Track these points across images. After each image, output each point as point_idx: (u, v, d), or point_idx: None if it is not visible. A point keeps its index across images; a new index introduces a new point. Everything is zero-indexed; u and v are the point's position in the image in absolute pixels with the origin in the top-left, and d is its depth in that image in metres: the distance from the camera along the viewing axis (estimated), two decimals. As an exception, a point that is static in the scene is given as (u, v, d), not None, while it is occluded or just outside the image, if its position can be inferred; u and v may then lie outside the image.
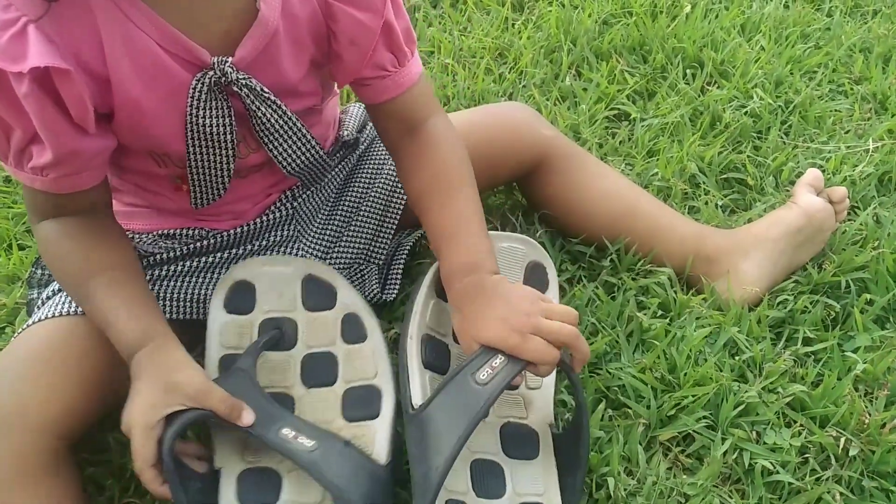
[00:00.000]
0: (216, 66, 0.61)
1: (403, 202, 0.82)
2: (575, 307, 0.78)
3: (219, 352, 0.67)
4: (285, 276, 0.71)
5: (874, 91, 1.12)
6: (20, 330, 0.67)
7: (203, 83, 0.61)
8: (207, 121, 0.63)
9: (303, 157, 0.71)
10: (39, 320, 0.66)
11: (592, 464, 0.67)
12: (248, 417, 0.61)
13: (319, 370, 0.68)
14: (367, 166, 0.84)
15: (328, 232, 0.81)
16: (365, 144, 0.85)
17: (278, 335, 0.68)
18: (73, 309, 0.66)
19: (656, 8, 1.25)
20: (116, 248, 0.66)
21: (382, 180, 0.83)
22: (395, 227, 0.81)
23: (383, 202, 0.82)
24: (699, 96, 1.08)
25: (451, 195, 0.70)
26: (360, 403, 0.66)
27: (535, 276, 0.74)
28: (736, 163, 0.98)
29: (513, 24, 1.23)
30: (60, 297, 0.68)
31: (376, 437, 0.63)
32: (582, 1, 1.27)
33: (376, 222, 0.82)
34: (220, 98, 0.63)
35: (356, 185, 0.83)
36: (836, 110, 1.08)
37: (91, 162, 0.62)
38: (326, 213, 0.82)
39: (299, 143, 0.70)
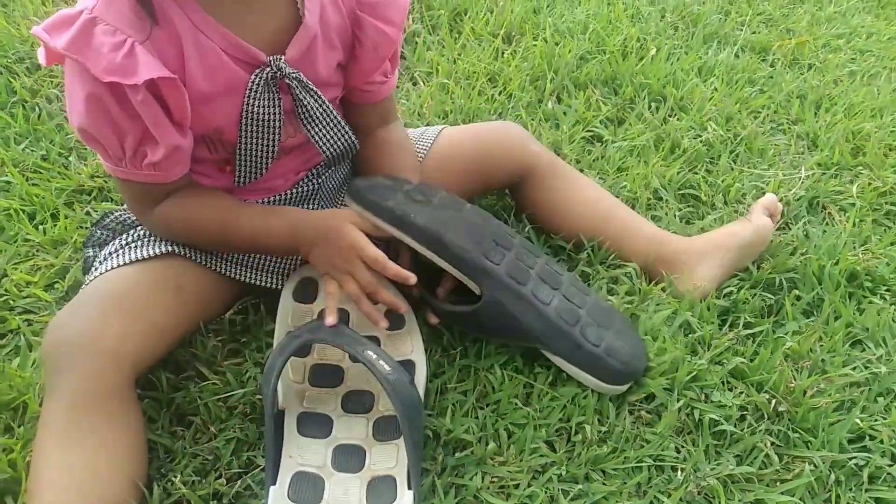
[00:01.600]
0: (272, 63, 0.74)
1: None
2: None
3: (286, 329, 0.81)
4: None
5: (807, 130, 1.31)
6: (91, 278, 0.77)
7: (261, 77, 0.74)
8: (261, 109, 0.76)
9: (338, 140, 0.84)
10: (111, 269, 0.76)
11: (571, 414, 0.80)
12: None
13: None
14: None
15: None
16: None
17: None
18: (138, 255, 0.77)
19: (626, 48, 1.43)
20: (222, 195, 0.80)
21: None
22: None
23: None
24: (662, 125, 1.25)
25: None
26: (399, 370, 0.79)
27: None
28: (692, 181, 1.15)
29: (502, 54, 1.38)
30: (122, 251, 0.79)
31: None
32: (562, 38, 1.44)
33: None
34: (273, 90, 0.76)
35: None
36: (775, 144, 1.27)
37: (188, 154, 0.74)
38: (340, 186, 0.95)
39: (336, 128, 0.83)
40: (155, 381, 0.78)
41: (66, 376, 0.67)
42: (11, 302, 0.87)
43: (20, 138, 1.10)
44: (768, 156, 1.23)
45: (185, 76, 0.70)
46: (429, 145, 0.99)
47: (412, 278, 0.78)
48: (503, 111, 1.25)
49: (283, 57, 0.75)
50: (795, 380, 0.85)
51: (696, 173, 1.17)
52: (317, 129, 0.81)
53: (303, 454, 0.73)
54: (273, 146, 0.80)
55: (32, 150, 1.08)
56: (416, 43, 1.39)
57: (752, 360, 0.87)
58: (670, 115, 1.29)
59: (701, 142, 1.22)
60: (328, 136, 0.83)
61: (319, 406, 0.78)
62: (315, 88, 0.78)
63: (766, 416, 0.82)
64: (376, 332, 0.83)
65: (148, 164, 0.71)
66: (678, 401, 0.83)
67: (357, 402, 0.79)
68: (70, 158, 1.08)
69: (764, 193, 1.12)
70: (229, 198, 0.81)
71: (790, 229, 1.08)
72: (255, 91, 0.75)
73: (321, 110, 0.80)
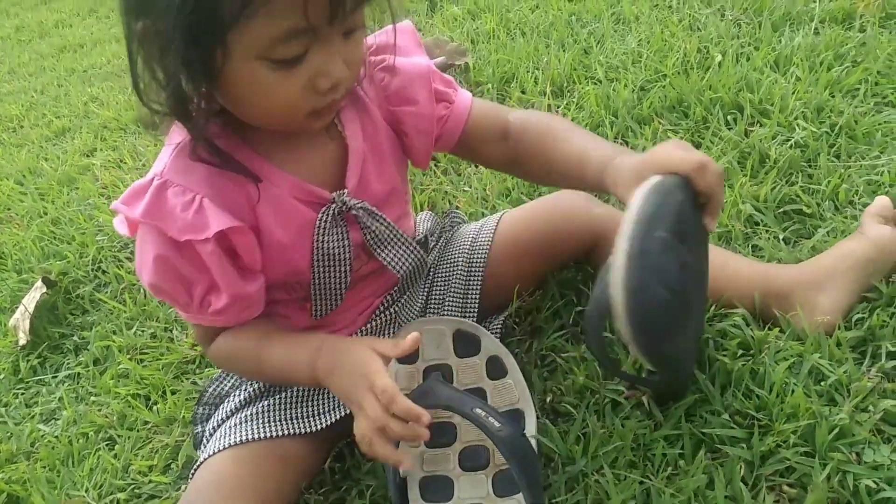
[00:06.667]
0: (336, 198, 0.75)
1: (478, 295, 0.92)
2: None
3: None
4: (440, 332, 0.85)
5: (920, 95, 1.13)
6: (197, 464, 0.80)
7: (328, 214, 0.75)
8: (331, 245, 0.77)
9: (409, 259, 0.84)
10: (213, 453, 0.79)
11: (699, 508, 0.71)
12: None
13: None
14: (443, 269, 0.95)
15: None
16: (439, 248, 0.97)
17: (438, 376, 0.81)
18: (240, 439, 0.79)
19: (687, 65, 1.33)
20: (258, 321, 0.79)
21: (458, 278, 0.93)
22: (475, 316, 0.91)
23: (461, 296, 0.92)
24: (743, 139, 1.13)
25: (562, 140, 0.79)
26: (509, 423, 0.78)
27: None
28: (790, 195, 1.02)
29: (556, 110, 1.33)
30: (224, 430, 0.82)
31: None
32: (617, 73, 1.37)
33: (458, 314, 0.92)
34: (340, 224, 0.77)
35: (437, 286, 0.94)
36: (884, 122, 1.11)
37: (255, 298, 0.76)
38: (420, 312, 0.93)
39: (404, 248, 0.83)
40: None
41: None
42: (137, 490, 0.92)
43: (131, 321, 1.20)
44: (877, 139, 1.07)
45: (258, 225, 0.73)
46: (491, 235, 0.96)
47: (425, 417, 0.66)
48: (568, 171, 1.19)
49: (346, 190, 0.76)
50: (967, 416, 0.71)
51: (794, 184, 1.04)
52: (387, 252, 0.82)
53: None
54: (346, 277, 0.81)
55: (142, 332, 1.17)
56: (470, 124, 1.38)
57: (905, 401, 0.74)
58: (751, 125, 1.17)
59: (792, 145, 1.09)
60: (399, 257, 0.83)
61: (439, 467, 0.79)
62: (379, 213, 0.79)
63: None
64: (482, 384, 0.82)
65: (213, 312, 0.74)
66: (824, 467, 0.71)
67: (473, 459, 0.80)
68: (174, 332, 1.15)
69: (880, 187, 0.98)
70: (268, 324, 0.80)
71: (922, 223, 0.92)
72: (324, 229, 0.76)
73: (388, 233, 0.81)
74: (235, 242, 0.70)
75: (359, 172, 0.77)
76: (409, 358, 0.84)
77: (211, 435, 0.84)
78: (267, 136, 0.73)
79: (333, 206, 0.75)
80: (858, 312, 0.83)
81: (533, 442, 0.77)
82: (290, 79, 0.63)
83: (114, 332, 1.18)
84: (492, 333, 0.92)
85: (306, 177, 0.74)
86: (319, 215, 0.75)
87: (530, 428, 0.78)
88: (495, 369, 0.82)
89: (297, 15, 0.58)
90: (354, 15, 0.64)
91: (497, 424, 0.71)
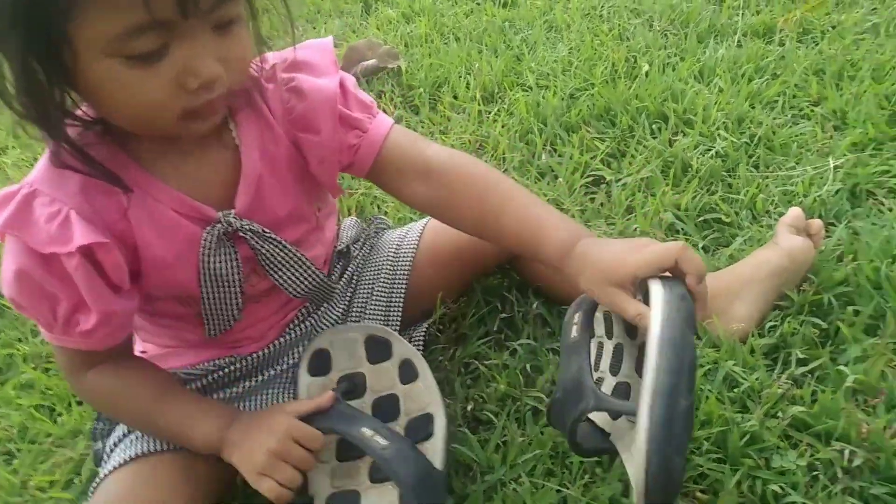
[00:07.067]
0: (222, 219, 0.71)
1: (402, 301, 0.90)
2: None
3: None
4: (352, 339, 0.83)
5: (833, 109, 1.17)
6: (97, 482, 0.75)
7: (212, 234, 0.71)
8: (217, 265, 0.73)
9: (305, 282, 0.80)
10: (113, 469, 0.74)
11: (614, 515, 0.71)
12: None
13: (386, 409, 0.79)
14: (367, 275, 0.93)
15: None
16: (361, 256, 0.94)
17: (351, 387, 0.80)
18: (140, 450, 0.75)
19: (616, 73, 1.35)
20: (157, 373, 0.77)
21: (381, 285, 0.91)
22: (398, 324, 0.89)
23: (384, 305, 0.90)
24: (667, 148, 1.15)
25: (506, 198, 0.74)
26: (420, 428, 0.77)
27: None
28: (710, 204, 1.04)
29: (487, 116, 1.33)
30: (125, 443, 0.77)
31: (432, 452, 0.74)
32: (547, 81, 1.38)
33: (381, 322, 0.90)
34: (227, 244, 0.73)
35: (360, 292, 0.92)
36: (799, 134, 1.14)
37: (125, 319, 0.72)
38: (339, 321, 0.90)
39: (301, 270, 0.79)
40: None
41: None
42: (36, 508, 0.87)
43: (37, 329, 1.13)
44: (793, 150, 1.11)
45: (134, 239, 0.68)
46: (416, 241, 0.94)
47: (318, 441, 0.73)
48: (497, 177, 1.18)
49: (232, 211, 0.72)
50: (867, 421, 0.73)
51: (714, 193, 1.06)
52: (280, 273, 0.78)
53: None
54: (236, 298, 0.77)
55: (46, 342, 1.10)
56: (401, 127, 1.36)
57: (812, 405, 0.76)
58: (675, 135, 1.19)
59: (713, 155, 1.12)
60: (294, 278, 0.79)
61: (349, 481, 0.76)
62: (272, 235, 0.74)
63: (840, 472, 0.71)
64: (395, 390, 0.80)
65: (80, 332, 0.68)
66: (735, 472, 0.72)
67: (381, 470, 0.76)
68: (83, 339, 1.09)
69: (794, 197, 1.01)
70: (166, 377, 0.78)
71: (832, 232, 0.95)
72: (209, 248, 0.72)
73: (282, 254, 0.76)
74: (101, 259, 0.65)
75: (252, 191, 0.72)
76: (322, 370, 0.82)
77: (112, 451, 0.79)
78: (153, 147, 0.68)
79: (219, 226, 0.71)
80: (771, 320, 0.85)
81: (438, 448, 0.75)
82: (151, 77, 0.58)
83: (18, 340, 1.11)
84: (415, 342, 0.90)
85: (191, 191, 0.70)
86: (204, 235, 0.71)
87: (438, 432, 0.76)
88: (407, 373, 0.81)
89: (138, 8, 0.53)
90: (221, 8, 0.58)
91: (382, 443, 0.70)
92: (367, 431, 0.72)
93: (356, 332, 0.83)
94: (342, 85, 0.76)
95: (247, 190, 0.72)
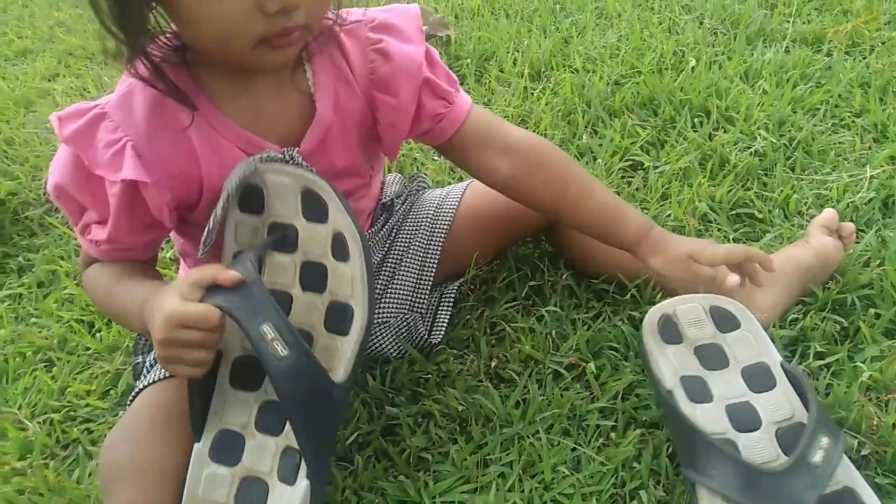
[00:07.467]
0: (285, 154, 0.74)
1: (437, 258, 0.93)
2: (600, 341, 0.87)
3: (232, 248, 0.74)
4: (287, 186, 0.72)
5: (874, 122, 1.19)
6: (135, 392, 0.79)
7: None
8: None
9: None
10: (151, 382, 0.78)
11: (625, 480, 0.75)
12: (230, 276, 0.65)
13: (314, 277, 0.72)
14: (405, 230, 0.96)
15: (377, 285, 0.92)
16: (403, 210, 0.98)
17: (283, 238, 0.72)
18: None
19: (663, 65, 1.37)
20: (141, 266, 0.78)
21: (419, 241, 0.94)
22: (431, 280, 0.93)
23: (420, 259, 0.93)
24: (707, 142, 1.17)
25: (587, 188, 0.84)
26: (339, 317, 0.70)
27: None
28: (744, 199, 1.07)
29: (532, 93, 1.35)
30: None
31: (340, 354, 0.69)
32: (594, 65, 1.40)
33: (415, 276, 0.93)
34: None
35: (398, 245, 0.95)
36: (838, 143, 1.16)
37: (140, 249, 0.76)
38: (376, 268, 0.93)
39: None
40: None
41: (120, 502, 0.69)
42: (73, 413, 0.91)
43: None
44: (830, 157, 1.13)
45: (200, 174, 0.72)
46: (456, 202, 0.97)
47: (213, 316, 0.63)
48: (537, 152, 1.21)
49: (297, 149, 0.74)
50: (880, 416, 0.76)
51: (749, 189, 1.08)
52: None
53: (228, 411, 0.71)
54: None
55: (91, 260, 1.15)
56: (445, 95, 1.39)
57: (826, 397, 0.79)
58: (715, 130, 1.21)
59: (751, 153, 1.14)
60: None
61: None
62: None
63: (848, 460, 0.73)
64: (325, 261, 0.71)
65: (90, 240, 0.74)
66: (745, 451, 0.75)
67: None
68: (124, 263, 1.13)
69: (828, 201, 1.03)
70: (132, 266, 0.77)
71: (861, 238, 0.97)
72: None
73: None
74: (144, 194, 0.69)
75: (320, 138, 0.75)
76: (254, 207, 0.73)
77: (152, 365, 0.83)
78: (225, 85, 0.71)
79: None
80: (794, 314, 0.88)
81: (346, 353, 0.68)
82: None
83: (61, 258, 1.16)
84: (445, 299, 0.94)
85: (258, 130, 0.72)
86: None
87: (353, 334, 0.68)
88: (339, 250, 0.70)
89: None
90: None
91: (281, 353, 0.62)
92: (268, 332, 0.62)
93: (290, 179, 0.71)
94: (429, 55, 0.79)
95: (315, 135, 0.75)
